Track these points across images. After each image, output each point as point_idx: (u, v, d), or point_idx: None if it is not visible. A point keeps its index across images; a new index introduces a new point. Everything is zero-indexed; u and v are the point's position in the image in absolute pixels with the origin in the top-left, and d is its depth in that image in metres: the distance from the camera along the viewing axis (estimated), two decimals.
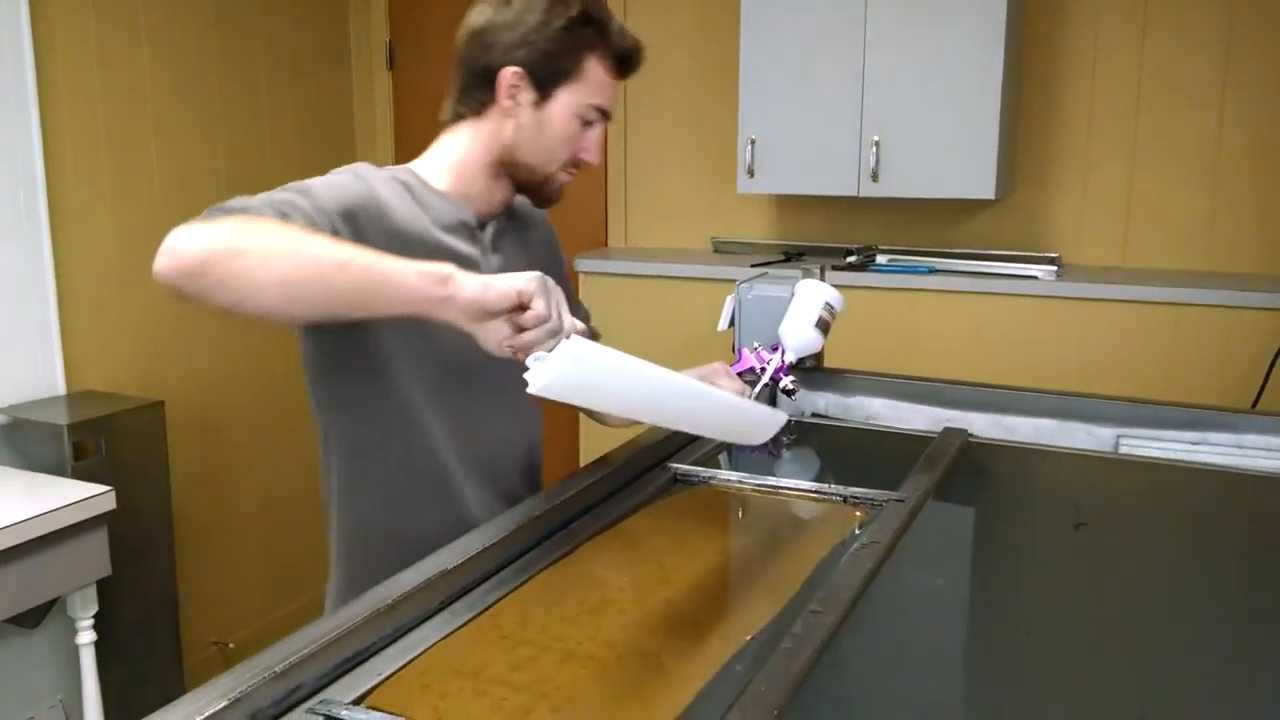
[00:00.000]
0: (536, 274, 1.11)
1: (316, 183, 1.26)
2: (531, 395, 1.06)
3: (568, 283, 1.65)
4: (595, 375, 1.10)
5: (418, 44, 3.80)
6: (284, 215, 1.15)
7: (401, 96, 3.84)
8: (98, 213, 2.86)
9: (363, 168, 1.34)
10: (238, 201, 1.16)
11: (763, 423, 1.31)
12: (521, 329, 1.09)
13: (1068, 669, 1.07)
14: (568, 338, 1.05)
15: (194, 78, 3.13)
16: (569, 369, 1.04)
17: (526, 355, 1.09)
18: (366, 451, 1.36)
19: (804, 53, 2.99)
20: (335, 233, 1.20)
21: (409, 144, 3.79)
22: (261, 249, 1.06)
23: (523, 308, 1.09)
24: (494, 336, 1.11)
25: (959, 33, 2.82)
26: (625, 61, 1.39)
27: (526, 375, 1.06)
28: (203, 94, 3.16)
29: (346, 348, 1.30)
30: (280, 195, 1.19)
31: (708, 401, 1.27)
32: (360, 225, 1.24)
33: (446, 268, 1.09)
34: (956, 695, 1.05)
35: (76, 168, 2.79)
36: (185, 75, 3.10)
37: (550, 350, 1.05)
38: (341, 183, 1.28)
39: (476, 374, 1.36)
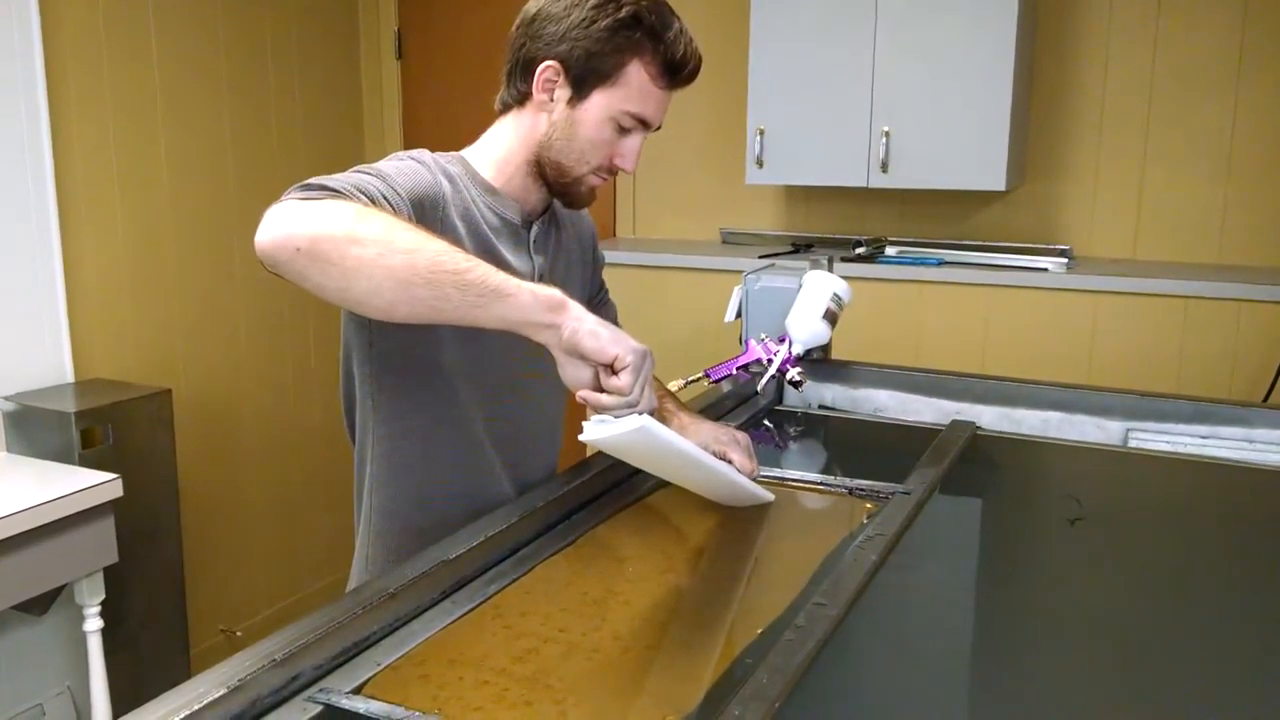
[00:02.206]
0: (641, 349, 1.11)
1: (386, 168, 1.23)
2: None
3: (604, 287, 1.63)
4: (640, 447, 1.16)
5: (426, 33, 3.79)
6: (371, 200, 1.13)
7: (410, 86, 3.83)
8: (106, 201, 2.86)
9: (425, 155, 1.31)
10: (321, 180, 1.12)
11: (755, 496, 1.40)
12: (602, 389, 1.11)
13: (1067, 662, 1.06)
14: (640, 414, 1.10)
15: (202, 66, 3.13)
16: (624, 440, 1.11)
17: (594, 409, 1.12)
18: (406, 440, 1.35)
19: (814, 42, 2.97)
20: (409, 221, 1.18)
21: (417, 133, 3.79)
22: (381, 242, 1.04)
23: (613, 370, 1.10)
24: (575, 375, 1.12)
25: (970, 22, 2.80)
26: (673, 72, 1.31)
27: (585, 424, 1.10)
28: (211, 83, 3.16)
29: (410, 336, 1.29)
30: (361, 178, 1.16)
31: (718, 478, 1.35)
32: (425, 216, 1.23)
33: (558, 294, 1.10)
34: (957, 687, 1.05)
35: (85, 156, 2.79)
36: (193, 63, 3.09)
37: (616, 417, 1.10)
38: (411, 170, 1.25)
39: (518, 367, 1.37)
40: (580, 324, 1.09)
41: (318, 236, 1.03)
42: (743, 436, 1.49)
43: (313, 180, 1.11)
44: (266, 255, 1.05)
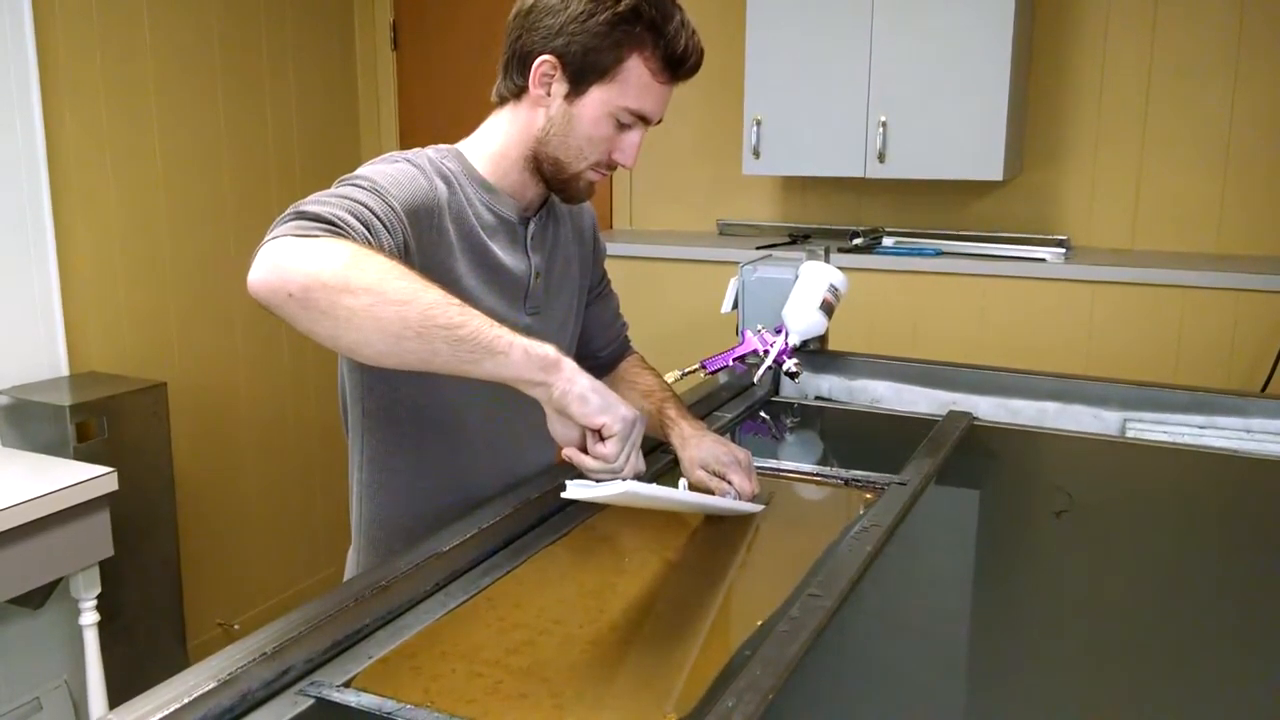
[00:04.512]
0: (629, 416, 1.11)
1: (381, 177, 1.19)
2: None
3: (606, 278, 1.61)
4: (625, 500, 1.16)
5: (422, 24, 3.77)
6: (366, 226, 1.10)
7: (405, 76, 3.81)
8: (100, 193, 2.85)
9: (420, 156, 1.28)
10: (314, 203, 1.09)
11: (748, 509, 1.40)
12: (588, 451, 1.11)
13: (1060, 653, 1.06)
14: (624, 480, 1.09)
15: (197, 56, 3.11)
16: (607, 499, 1.10)
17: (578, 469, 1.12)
18: (398, 446, 1.35)
19: (810, 32, 2.96)
20: (405, 239, 1.17)
21: (413, 125, 3.78)
22: (373, 292, 1.01)
23: (601, 435, 1.09)
24: (563, 433, 1.12)
25: (968, 11, 2.79)
26: (674, 67, 1.27)
27: (569, 483, 1.09)
28: (206, 73, 3.15)
29: None
30: (354, 199, 1.13)
31: (710, 507, 1.36)
32: (420, 225, 1.21)
33: (552, 351, 1.08)
34: (951, 678, 1.04)
35: (78, 147, 2.78)
36: (188, 54, 3.08)
37: (598, 481, 1.10)
38: (407, 179, 1.22)
39: None
40: (571, 386, 1.08)
41: (310, 284, 1.01)
42: (744, 455, 1.43)
43: (306, 207, 1.07)
44: (260, 297, 1.03)
